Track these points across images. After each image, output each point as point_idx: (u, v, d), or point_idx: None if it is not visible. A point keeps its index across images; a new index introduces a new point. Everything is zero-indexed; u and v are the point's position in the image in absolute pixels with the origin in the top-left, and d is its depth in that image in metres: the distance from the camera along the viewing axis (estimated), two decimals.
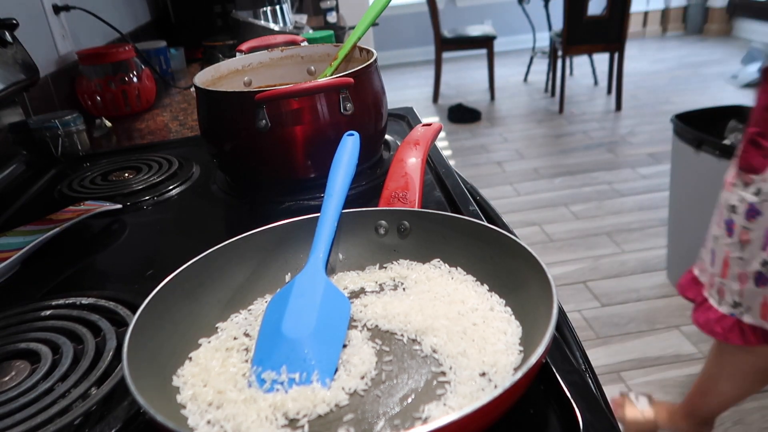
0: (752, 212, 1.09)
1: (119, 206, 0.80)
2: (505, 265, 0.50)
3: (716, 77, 4.36)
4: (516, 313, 0.47)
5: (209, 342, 0.48)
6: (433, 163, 0.85)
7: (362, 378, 0.43)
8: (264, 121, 0.75)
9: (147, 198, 0.87)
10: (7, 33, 0.98)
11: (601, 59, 4.43)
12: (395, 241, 0.57)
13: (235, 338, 0.48)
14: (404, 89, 4.92)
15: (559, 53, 3.93)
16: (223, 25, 1.99)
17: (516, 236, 0.51)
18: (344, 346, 0.46)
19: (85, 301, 0.59)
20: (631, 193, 2.81)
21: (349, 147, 0.62)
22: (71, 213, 0.77)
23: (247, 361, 0.45)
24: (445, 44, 4.27)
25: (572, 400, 0.40)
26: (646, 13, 5.73)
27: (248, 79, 0.95)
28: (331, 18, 2.31)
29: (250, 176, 0.86)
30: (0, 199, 0.92)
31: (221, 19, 2.00)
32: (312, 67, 0.97)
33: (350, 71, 0.78)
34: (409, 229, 0.57)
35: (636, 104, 3.98)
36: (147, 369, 0.41)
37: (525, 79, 4.81)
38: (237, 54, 0.96)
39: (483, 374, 0.41)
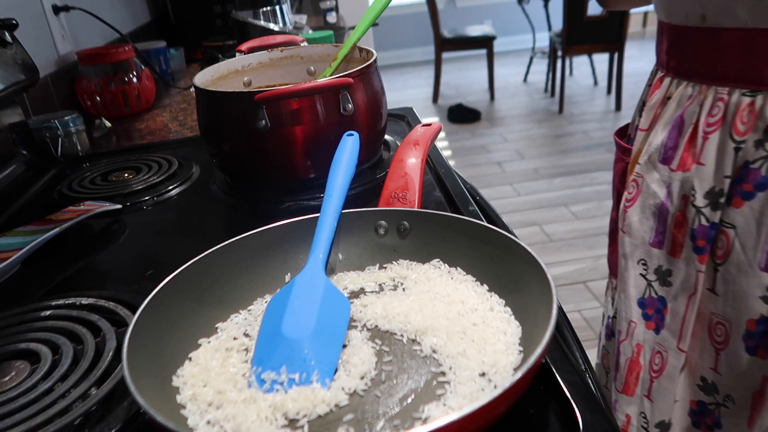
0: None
1: (119, 206, 0.80)
2: (504, 265, 0.50)
3: None
4: (516, 313, 0.47)
5: (209, 342, 0.48)
6: (432, 163, 0.85)
7: (362, 378, 0.42)
8: (264, 121, 0.75)
9: (147, 198, 0.87)
10: (6, 33, 0.98)
11: (601, 59, 4.42)
12: (395, 242, 0.57)
13: (234, 338, 0.48)
14: (404, 89, 4.92)
15: (559, 53, 3.93)
16: (223, 25, 1.99)
17: (516, 236, 0.51)
18: (344, 346, 0.46)
19: (85, 301, 0.59)
20: None
21: (348, 147, 0.62)
22: (71, 213, 0.77)
23: (246, 361, 0.45)
24: (444, 44, 4.27)
25: (572, 400, 0.40)
26: (646, 14, 5.72)
27: (248, 80, 0.95)
28: (331, 18, 2.31)
29: (249, 176, 0.86)
30: (0, 199, 0.92)
31: (221, 19, 2.00)
32: (312, 68, 0.97)
33: (350, 71, 0.78)
34: (409, 229, 0.57)
35: (636, 104, 3.97)
36: (147, 369, 0.41)
37: (525, 80, 4.81)
38: (237, 54, 0.96)
39: (483, 374, 0.41)
